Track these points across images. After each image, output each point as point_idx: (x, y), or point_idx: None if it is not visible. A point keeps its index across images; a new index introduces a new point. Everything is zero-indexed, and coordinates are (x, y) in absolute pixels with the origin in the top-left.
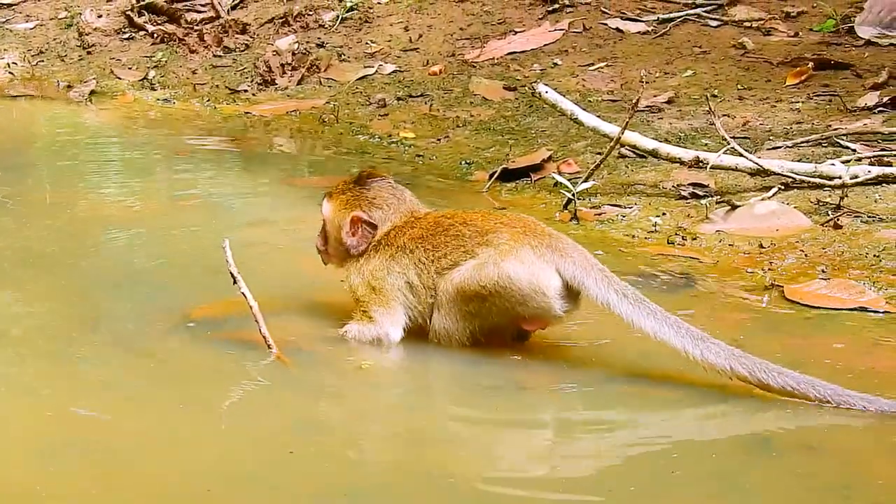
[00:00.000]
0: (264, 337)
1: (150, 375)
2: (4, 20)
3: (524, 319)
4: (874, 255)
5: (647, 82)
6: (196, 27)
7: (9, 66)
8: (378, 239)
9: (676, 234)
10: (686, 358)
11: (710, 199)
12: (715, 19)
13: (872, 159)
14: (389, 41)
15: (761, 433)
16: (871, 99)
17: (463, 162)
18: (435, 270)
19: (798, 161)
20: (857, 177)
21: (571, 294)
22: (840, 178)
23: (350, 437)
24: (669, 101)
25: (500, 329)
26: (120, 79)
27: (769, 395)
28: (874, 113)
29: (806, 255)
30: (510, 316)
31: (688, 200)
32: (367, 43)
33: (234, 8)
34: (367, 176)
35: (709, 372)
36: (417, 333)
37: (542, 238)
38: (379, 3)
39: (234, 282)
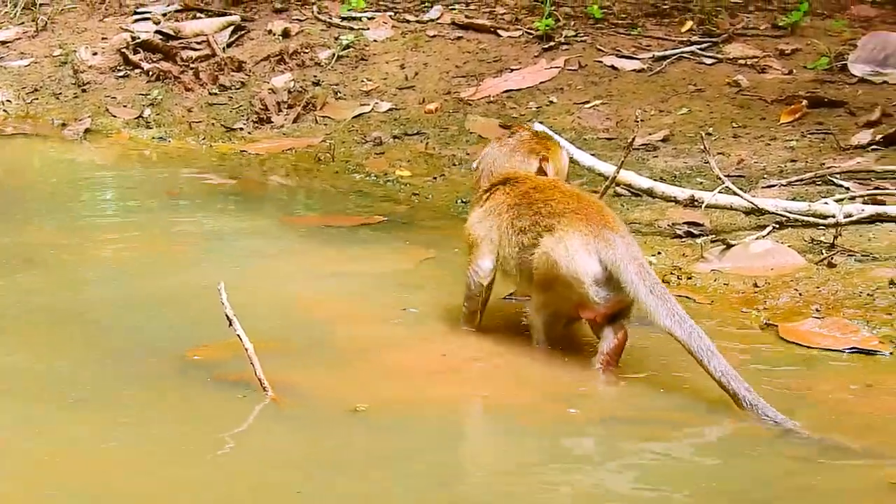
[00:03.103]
0: (259, 379)
1: (145, 417)
2: None
3: (577, 306)
4: (868, 294)
5: (642, 121)
6: (192, 65)
7: (3, 104)
8: (487, 188)
9: (672, 274)
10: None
11: (705, 238)
12: (710, 57)
13: (866, 198)
14: (385, 79)
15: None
16: (864, 137)
17: (459, 200)
18: (516, 243)
19: (792, 200)
20: (850, 215)
21: (614, 283)
22: (834, 216)
23: (358, 478)
24: (664, 140)
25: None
26: (115, 117)
27: None
28: (868, 151)
29: (800, 294)
30: (566, 303)
31: (683, 239)
32: (362, 81)
33: (229, 46)
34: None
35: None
36: (415, 372)
37: (595, 226)
38: (375, 40)
39: (230, 324)
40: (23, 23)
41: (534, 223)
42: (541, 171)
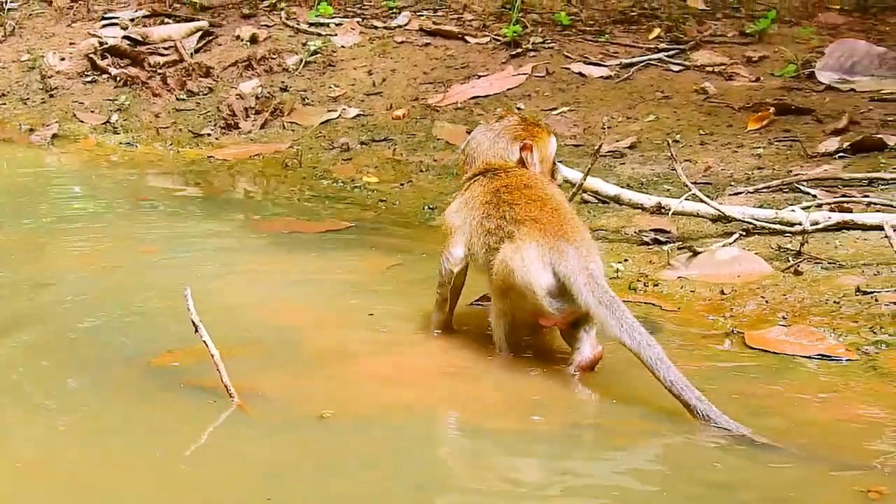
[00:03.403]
0: (226, 386)
1: (110, 425)
2: None
3: (533, 314)
4: (834, 302)
5: (609, 127)
6: (159, 70)
7: None
8: (469, 177)
9: (638, 281)
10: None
11: (671, 245)
12: (677, 64)
13: (833, 205)
14: (353, 85)
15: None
16: (831, 144)
17: (426, 206)
18: (483, 243)
19: (759, 207)
20: (817, 223)
21: (568, 294)
22: (801, 224)
23: (324, 485)
24: (632, 146)
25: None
26: (82, 122)
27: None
28: (835, 158)
29: (767, 302)
30: (522, 311)
31: (650, 246)
32: (330, 87)
33: (197, 51)
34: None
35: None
36: (381, 378)
37: (551, 237)
38: (342, 46)
39: (196, 330)
40: None
41: (498, 227)
42: (521, 161)
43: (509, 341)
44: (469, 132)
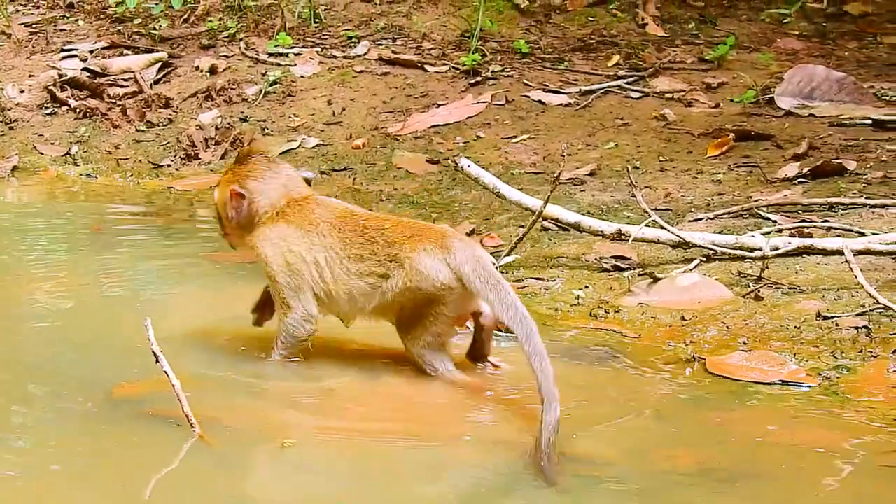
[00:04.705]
0: (187, 415)
1: (71, 456)
2: None
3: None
4: (795, 327)
5: (569, 155)
6: (119, 102)
7: None
8: (275, 210)
9: (599, 307)
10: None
11: (632, 271)
12: (637, 91)
13: (793, 230)
14: (313, 115)
15: None
16: (791, 170)
17: None
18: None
19: (719, 233)
20: (777, 248)
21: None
22: (761, 249)
23: None
24: (592, 174)
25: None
26: (42, 154)
27: None
28: (794, 184)
29: (727, 327)
30: (444, 318)
31: (610, 273)
32: (290, 117)
33: (157, 82)
34: (245, 154)
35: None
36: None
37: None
38: (302, 76)
39: (157, 360)
40: None
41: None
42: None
43: (445, 356)
44: (429, 161)
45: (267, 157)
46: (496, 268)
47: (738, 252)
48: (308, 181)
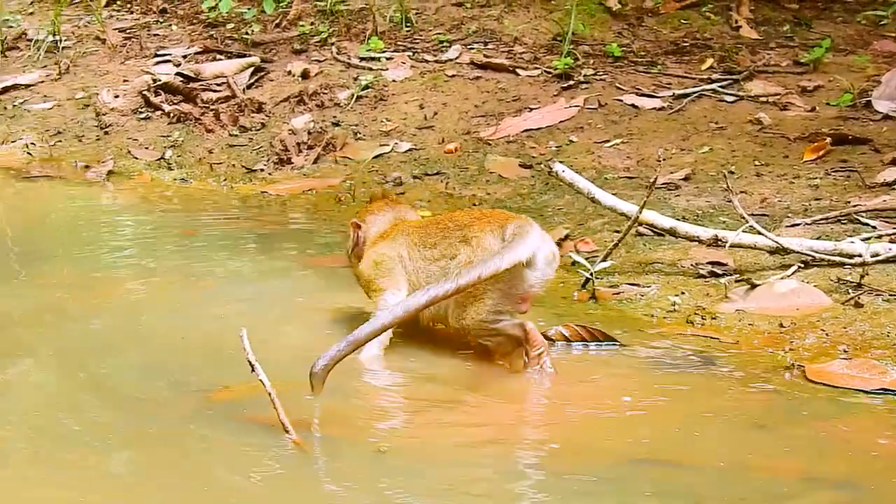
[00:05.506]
0: (282, 422)
1: (169, 460)
2: (22, 101)
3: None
4: None
5: (663, 159)
6: (212, 106)
7: (27, 147)
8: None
9: (696, 314)
10: None
11: (729, 277)
12: (731, 94)
13: (893, 236)
14: (405, 119)
15: None
16: (889, 174)
17: None
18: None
19: (817, 238)
20: (877, 254)
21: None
22: (860, 255)
23: None
24: (686, 178)
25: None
26: (137, 158)
27: None
28: (893, 188)
29: (827, 335)
30: (509, 298)
31: (706, 279)
32: (382, 121)
33: (249, 87)
34: (377, 196)
35: None
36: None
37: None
38: (394, 81)
39: (252, 370)
40: (45, 66)
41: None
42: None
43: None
44: (522, 165)
45: (389, 200)
46: (555, 258)
47: (837, 258)
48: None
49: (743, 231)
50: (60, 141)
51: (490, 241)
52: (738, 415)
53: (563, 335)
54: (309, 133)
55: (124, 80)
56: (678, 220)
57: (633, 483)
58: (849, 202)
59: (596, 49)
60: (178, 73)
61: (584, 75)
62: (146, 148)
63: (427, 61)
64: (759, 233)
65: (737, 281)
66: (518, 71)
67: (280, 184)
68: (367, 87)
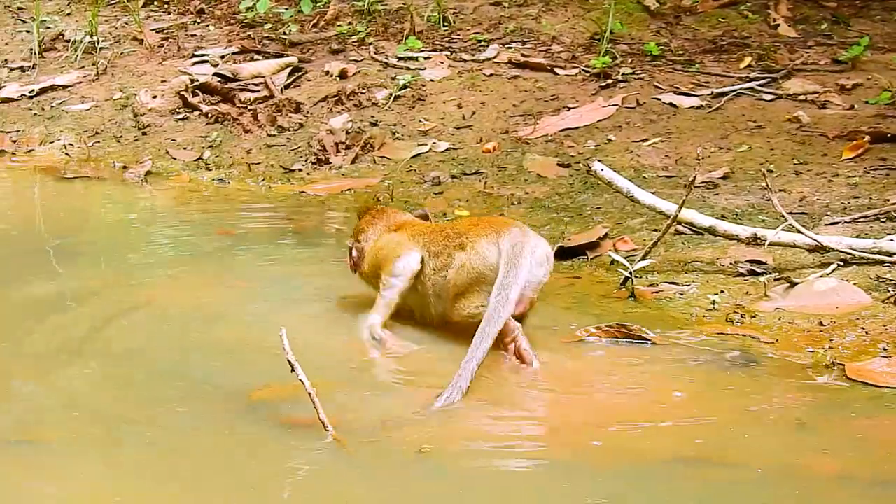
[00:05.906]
0: (322, 422)
1: (210, 460)
2: (60, 101)
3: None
4: None
5: (702, 158)
6: (250, 107)
7: (65, 148)
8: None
9: (735, 312)
10: None
11: (768, 276)
12: (769, 93)
13: None
14: (443, 118)
15: None
16: None
17: None
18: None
19: (856, 237)
20: None
21: None
22: None
23: None
24: (725, 177)
25: None
26: (175, 159)
27: None
28: None
29: (867, 333)
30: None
31: (746, 277)
32: (420, 121)
33: (287, 87)
34: (362, 211)
35: None
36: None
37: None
38: (431, 80)
39: (292, 369)
40: (83, 67)
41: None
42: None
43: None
44: (560, 164)
45: (377, 209)
46: (549, 259)
47: (877, 256)
48: (425, 216)
49: (782, 229)
50: (98, 142)
51: (485, 246)
52: (778, 412)
53: (598, 331)
54: (347, 133)
55: (162, 81)
56: (717, 218)
57: (678, 483)
58: (888, 200)
59: (634, 48)
60: (215, 74)
61: (623, 74)
62: (184, 148)
63: (465, 61)
64: (799, 231)
65: (776, 279)
66: (556, 70)
67: (318, 184)
68: (405, 86)
